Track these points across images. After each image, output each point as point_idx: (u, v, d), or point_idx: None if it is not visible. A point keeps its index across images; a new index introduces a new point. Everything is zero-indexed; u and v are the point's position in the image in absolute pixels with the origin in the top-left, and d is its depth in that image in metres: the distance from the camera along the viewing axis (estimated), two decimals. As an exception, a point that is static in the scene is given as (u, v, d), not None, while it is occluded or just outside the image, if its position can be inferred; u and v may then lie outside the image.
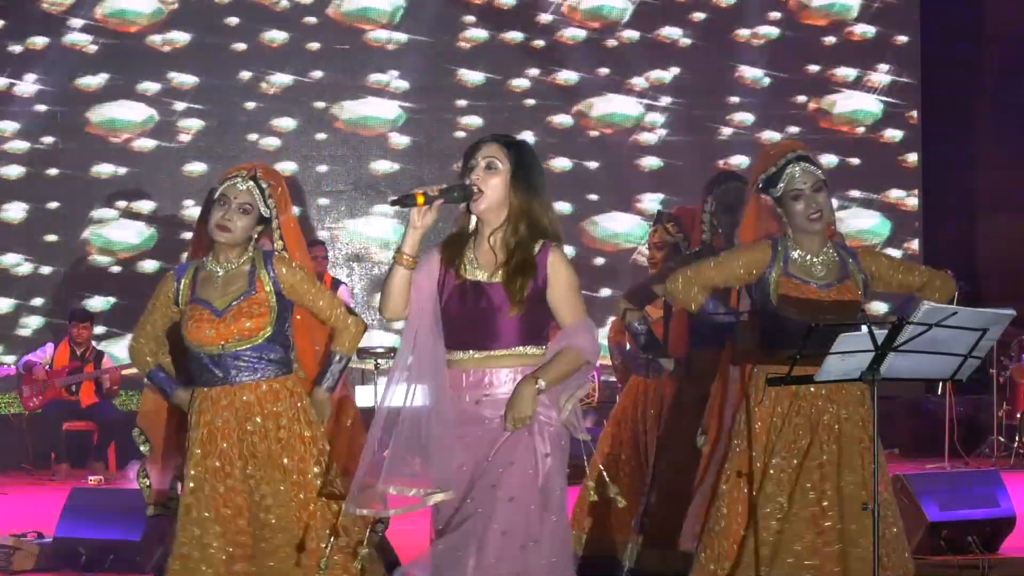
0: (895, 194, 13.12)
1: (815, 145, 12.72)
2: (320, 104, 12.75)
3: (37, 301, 12.51)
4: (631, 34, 12.94)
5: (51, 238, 12.51)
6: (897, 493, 6.97)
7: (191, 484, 4.75)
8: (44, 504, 8.38)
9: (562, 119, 12.87)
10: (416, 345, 4.13)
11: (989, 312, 4.40)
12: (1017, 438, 11.49)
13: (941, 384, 10.60)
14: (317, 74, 12.73)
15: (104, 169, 12.56)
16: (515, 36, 12.86)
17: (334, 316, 4.84)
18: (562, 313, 4.21)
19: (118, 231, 12.58)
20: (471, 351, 4.16)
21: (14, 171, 12.53)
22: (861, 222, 13.04)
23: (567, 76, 12.89)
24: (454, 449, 4.09)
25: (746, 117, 12.99)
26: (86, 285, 12.49)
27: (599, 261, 12.76)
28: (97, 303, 12.46)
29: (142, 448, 5.05)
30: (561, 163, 12.82)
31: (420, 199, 4.08)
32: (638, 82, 12.90)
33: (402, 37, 12.79)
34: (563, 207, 12.50)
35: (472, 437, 4.13)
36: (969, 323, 4.35)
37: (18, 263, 12.52)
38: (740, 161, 12.77)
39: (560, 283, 4.20)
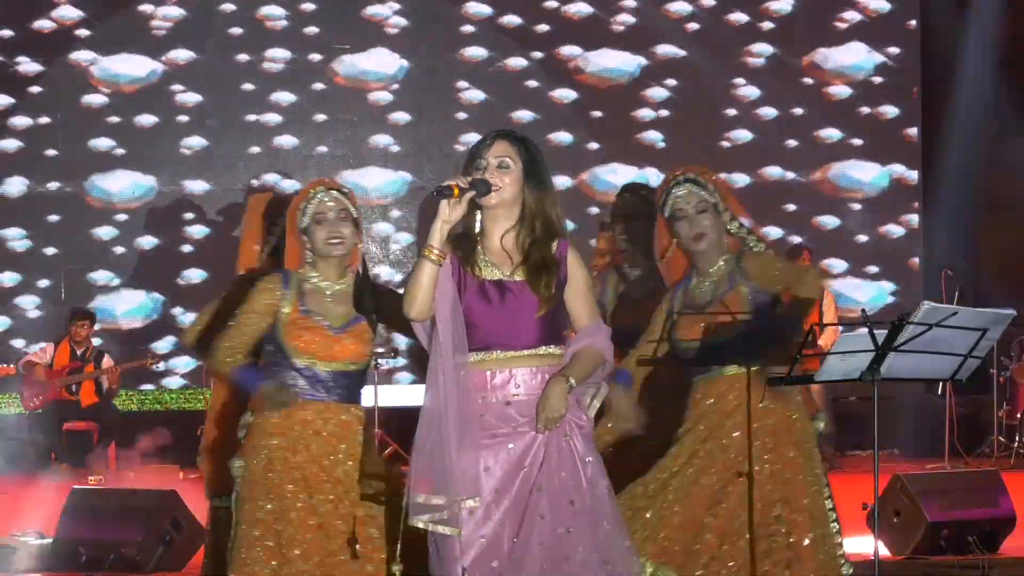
0: (894, 194, 13.12)
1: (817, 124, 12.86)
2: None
3: (43, 283, 12.55)
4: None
5: (52, 218, 12.52)
6: (897, 493, 6.99)
7: (271, 487, 4.70)
8: (44, 504, 8.37)
9: (564, 93, 12.88)
10: (442, 346, 4.04)
11: (989, 312, 4.40)
12: (1017, 438, 11.49)
13: (941, 384, 10.60)
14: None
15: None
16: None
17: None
18: (579, 312, 4.18)
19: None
20: (495, 351, 4.08)
21: (12, 145, 12.53)
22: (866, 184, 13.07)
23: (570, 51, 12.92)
24: (478, 454, 4.02)
25: (751, 91, 13.02)
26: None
27: (595, 243, 12.73)
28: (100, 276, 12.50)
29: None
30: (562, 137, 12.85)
31: (456, 191, 4.00)
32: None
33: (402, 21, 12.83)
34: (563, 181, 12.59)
35: (501, 438, 4.05)
36: (969, 323, 4.35)
37: (18, 238, 12.56)
38: (743, 136, 12.86)
39: (578, 282, 4.17)
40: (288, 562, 4.65)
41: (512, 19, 12.83)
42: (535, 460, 4.04)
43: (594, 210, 12.77)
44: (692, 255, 5.06)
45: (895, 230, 13.07)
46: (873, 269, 12.98)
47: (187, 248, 12.53)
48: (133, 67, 12.55)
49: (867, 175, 13.07)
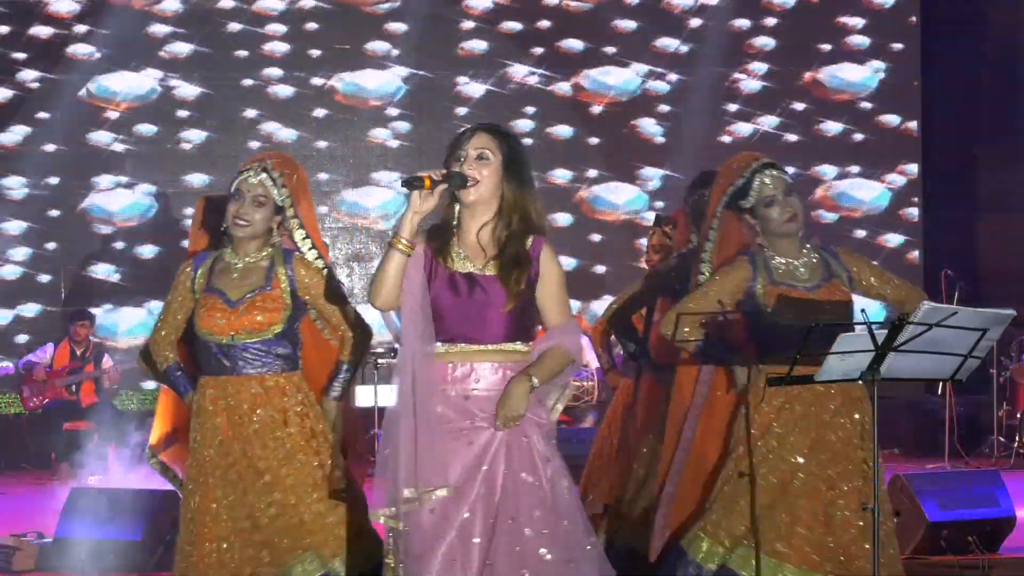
0: (894, 194, 13.12)
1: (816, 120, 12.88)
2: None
3: (43, 278, 12.55)
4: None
5: (53, 213, 12.54)
6: (897, 493, 6.99)
7: (192, 471, 4.83)
8: (44, 504, 8.37)
9: (563, 87, 12.87)
10: (407, 337, 4.01)
11: (989, 312, 4.40)
12: (1017, 438, 11.49)
13: (941, 384, 10.61)
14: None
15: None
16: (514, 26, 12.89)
17: (343, 323, 4.90)
18: (550, 310, 4.13)
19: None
20: (460, 344, 4.04)
21: (11, 139, 12.56)
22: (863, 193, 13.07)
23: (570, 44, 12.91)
24: (445, 444, 3.98)
25: (753, 85, 13.01)
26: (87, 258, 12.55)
27: (596, 238, 12.74)
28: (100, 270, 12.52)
29: (171, 481, 5.13)
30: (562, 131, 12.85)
31: (427, 182, 3.97)
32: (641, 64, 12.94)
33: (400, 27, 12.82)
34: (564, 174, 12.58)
35: (460, 435, 4.01)
36: (969, 323, 4.35)
37: (19, 230, 12.56)
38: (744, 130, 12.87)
39: (551, 279, 4.12)
40: (204, 542, 4.76)
41: (512, 19, 12.86)
42: (495, 460, 4.00)
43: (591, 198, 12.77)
44: (774, 240, 5.00)
45: (894, 238, 13.07)
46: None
47: (187, 243, 12.51)
48: (131, 80, 12.59)
49: (867, 194, 13.07)
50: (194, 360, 4.96)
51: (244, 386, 4.79)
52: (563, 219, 12.70)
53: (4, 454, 11.82)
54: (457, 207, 4.12)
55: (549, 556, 3.97)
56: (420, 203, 3.98)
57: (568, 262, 12.20)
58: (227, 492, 4.78)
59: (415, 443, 3.94)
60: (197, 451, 4.82)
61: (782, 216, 4.97)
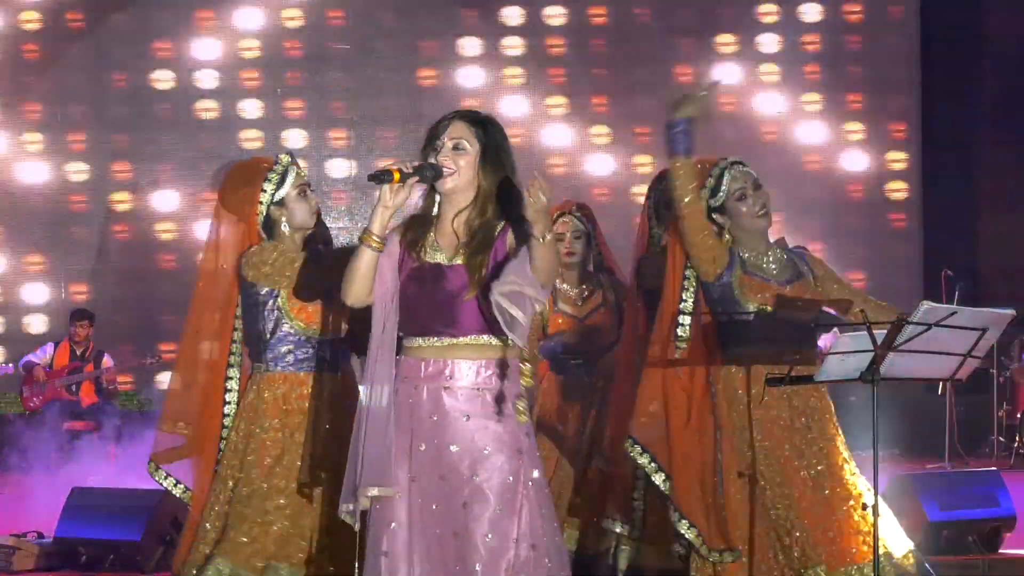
0: (894, 194, 13.11)
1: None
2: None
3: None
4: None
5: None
6: (897, 493, 6.99)
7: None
8: (44, 504, 8.37)
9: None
10: (374, 331, 3.95)
11: (989, 312, 4.41)
12: (1017, 438, 11.49)
13: (941, 384, 10.60)
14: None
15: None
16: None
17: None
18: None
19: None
20: (431, 338, 3.97)
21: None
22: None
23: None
24: (396, 442, 3.91)
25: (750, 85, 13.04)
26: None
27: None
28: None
29: (175, 491, 5.11)
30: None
31: (396, 176, 3.89)
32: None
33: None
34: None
35: (429, 428, 3.94)
36: (969, 323, 4.35)
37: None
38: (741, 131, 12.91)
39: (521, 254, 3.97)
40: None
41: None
42: (465, 450, 3.92)
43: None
44: (744, 236, 5.02)
45: (894, 237, 13.08)
46: (872, 269, 13.01)
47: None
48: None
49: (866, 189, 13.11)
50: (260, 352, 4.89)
51: (331, 384, 4.85)
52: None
53: (4, 454, 11.82)
54: (437, 196, 4.05)
55: (524, 551, 3.90)
56: (390, 197, 3.91)
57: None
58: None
59: (379, 443, 3.89)
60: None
61: (753, 208, 5.00)
